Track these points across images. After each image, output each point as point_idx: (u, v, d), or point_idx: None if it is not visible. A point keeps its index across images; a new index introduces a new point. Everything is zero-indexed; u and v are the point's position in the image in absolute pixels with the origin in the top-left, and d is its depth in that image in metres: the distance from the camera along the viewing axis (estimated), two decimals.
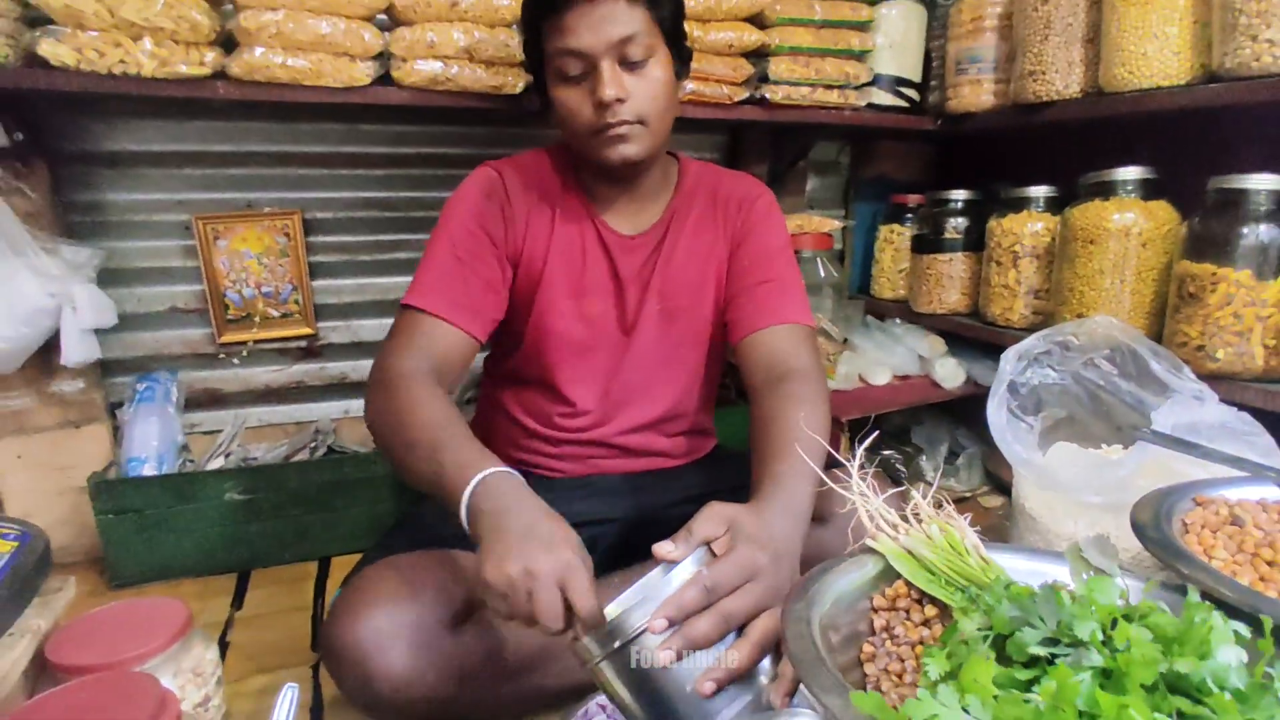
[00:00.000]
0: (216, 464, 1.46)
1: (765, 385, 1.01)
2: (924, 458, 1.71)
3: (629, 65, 0.95)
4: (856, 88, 1.57)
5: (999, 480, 1.68)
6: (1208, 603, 0.41)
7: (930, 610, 0.55)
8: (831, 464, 0.80)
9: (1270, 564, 0.59)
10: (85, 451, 1.44)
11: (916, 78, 1.65)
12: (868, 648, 0.53)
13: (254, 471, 1.40)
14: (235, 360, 1.60)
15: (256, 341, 1.60)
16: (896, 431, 1.78)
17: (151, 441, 1.44)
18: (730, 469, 1.23)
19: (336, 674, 0.89)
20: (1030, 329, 1.46)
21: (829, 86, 1.53)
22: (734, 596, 0.67)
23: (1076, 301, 1.30)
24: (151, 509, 1.35)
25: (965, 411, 1.71)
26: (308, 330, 1.62)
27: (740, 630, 0.68)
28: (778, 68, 1.47)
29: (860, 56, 1.55)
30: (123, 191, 1.47)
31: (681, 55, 1.04)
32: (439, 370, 0.97)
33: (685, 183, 1.15)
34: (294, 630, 1.24)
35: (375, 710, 0.91)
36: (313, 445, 1.56)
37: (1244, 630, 0.42)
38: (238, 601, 1.33)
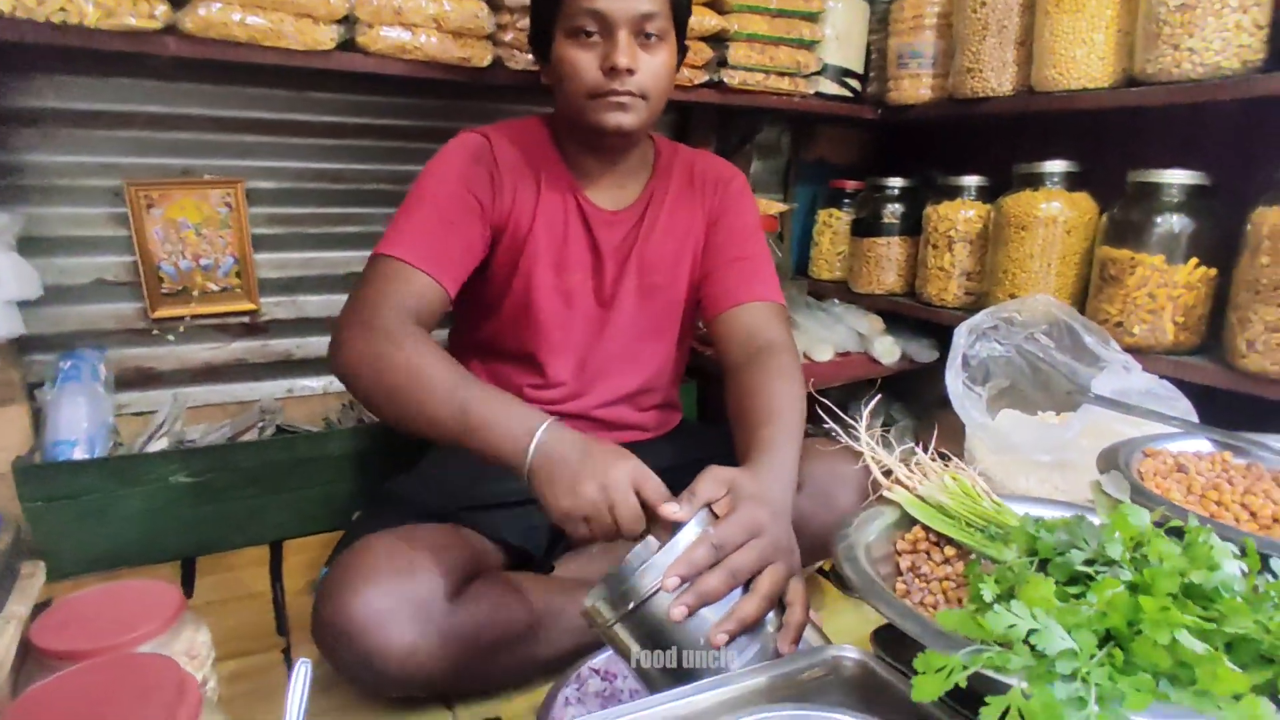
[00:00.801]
0: (158, 446, 1.38)
1: (743, 359, 1.06)
2: (838, 441, 1.82)
3: (643, 41, 0.98)
4: (806, 76, 1.64)
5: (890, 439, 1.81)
6: (1207, 526, 0.49)
7: (949, 550, 0.61)
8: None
9: (1218, 503, 0.69)
10: (2, 436, 1.33)
11: (859, 69, 1.73)
12: (900, 586, 0.58)
13: (202, 453, 1.34)
14: (170, 337, 1.51)
15: (194, 317, 1.51)
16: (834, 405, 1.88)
17: (81, 423, 1.35)
18: (698, 441, 1.27)
19: (334, 652, 0.88)
20: (963, 309, 1.57)
21: (781, 74, 1.59)
22: (740, 553, 0.71)
23: (1009, 283, 1.42)
24: (88, 495, 1.27)
25: (899, 387, 1.82)
26: (250, 306, 1.55)
27: (746, 585, 0.72)
28: (736, 53, 1.52)
29: (810, 46, 1.62)
30: (45, 153, 1.35)
31: (682, 47, 1.07)
32: (419, 321, 0.95)
33: (662, 161, 1.18)
34: (255, 616, 1.21)
35: (375, 686, 0.91)
36: (260, 425, 1.49)
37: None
38: (188, 590, 1.27)
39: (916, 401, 1.84)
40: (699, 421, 1.59)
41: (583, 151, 1.10)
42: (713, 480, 0.76)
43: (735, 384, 1.04)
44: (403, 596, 0.87)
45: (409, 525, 0.96)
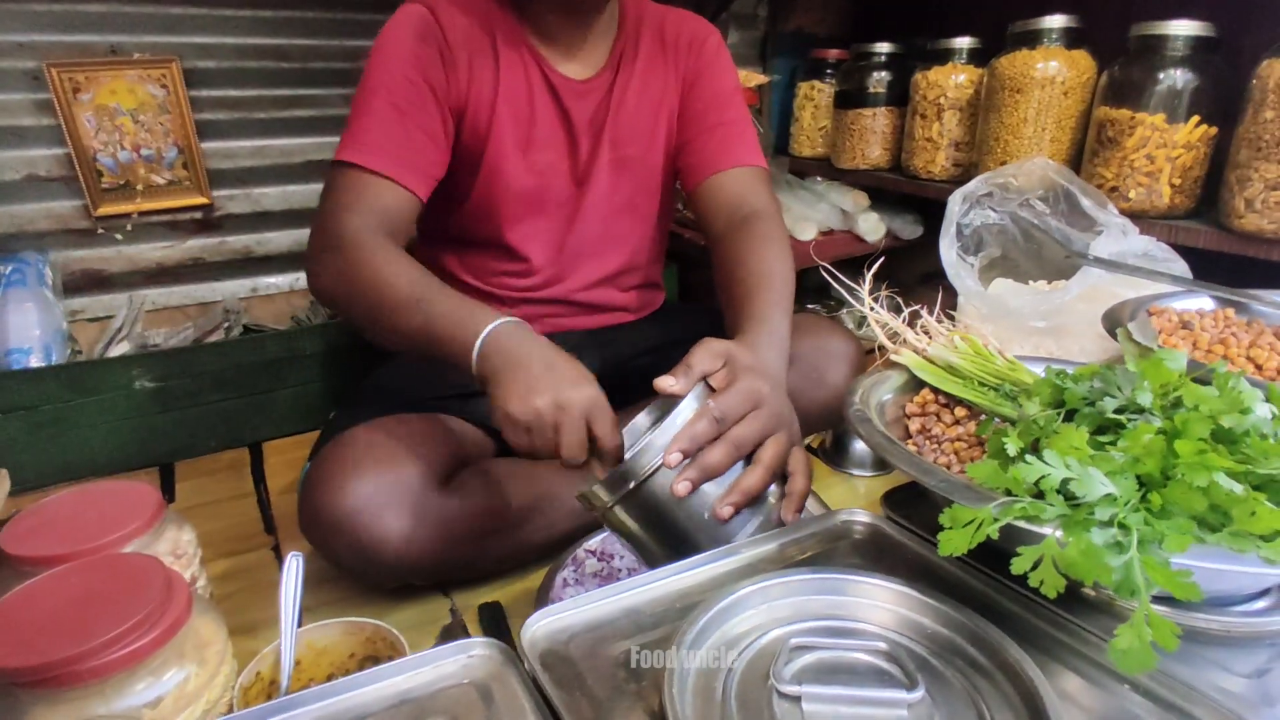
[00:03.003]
0: (118, 350, 1.31)
1: (729, 227, 1.01)
2: (844, 310, 1.80)
3: None
4: None
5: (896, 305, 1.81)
6: (1237, 373, 0.47)
7: (960, 411, 0.59)
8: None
9: (1225, 358, 0.67)
10: None
11: None
12: (912, 448, 0.57)
13: (166, 356, 1.28)
14: (118, 236, 1.42)
15: (141, 214, 1.41)
16: (816, 287, 1.85)
17: (32, 330, 1.28)
18: (682, 321, 1.24)
19: (326, 545, 0.86)
20: (952, 181, 1.52)
21: None
22: (742, 424, 0.68)
23: (1001, 151, 1.36)
24: (47, 404, 1.21)
25: (883, 265, 1.79)
26: (201, 199, 1.45)
27: (748, 458, 0.71)
28: None
29: None
30: None
31: None
32: (390, 231, 0.90)
33: (628, 20, 1.08)
34: (240, 517, 1.18)
35: (371, 577, 0.90)
36: (226, 325, 1.43)
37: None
38: (169, 495, 1.24)
39: (900, 280, 1.82)
40: (681, 302, 1.55)
41: (546, 14, 0.99)
42: (709, 352, 0.72)
43: (722, 253, 0.99)
44: (393, 486, 0.85)
45: (393, 416, 0.93)
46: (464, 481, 0.92)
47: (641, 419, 0.78)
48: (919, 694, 0.40)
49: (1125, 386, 0.45)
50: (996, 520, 0.39)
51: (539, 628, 0.46)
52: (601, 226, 1.12)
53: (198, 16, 1.36)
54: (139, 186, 1.39)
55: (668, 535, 0.66)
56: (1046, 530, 0.39)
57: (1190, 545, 0.37)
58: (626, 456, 0.67)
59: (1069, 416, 0.47)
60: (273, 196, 1.51)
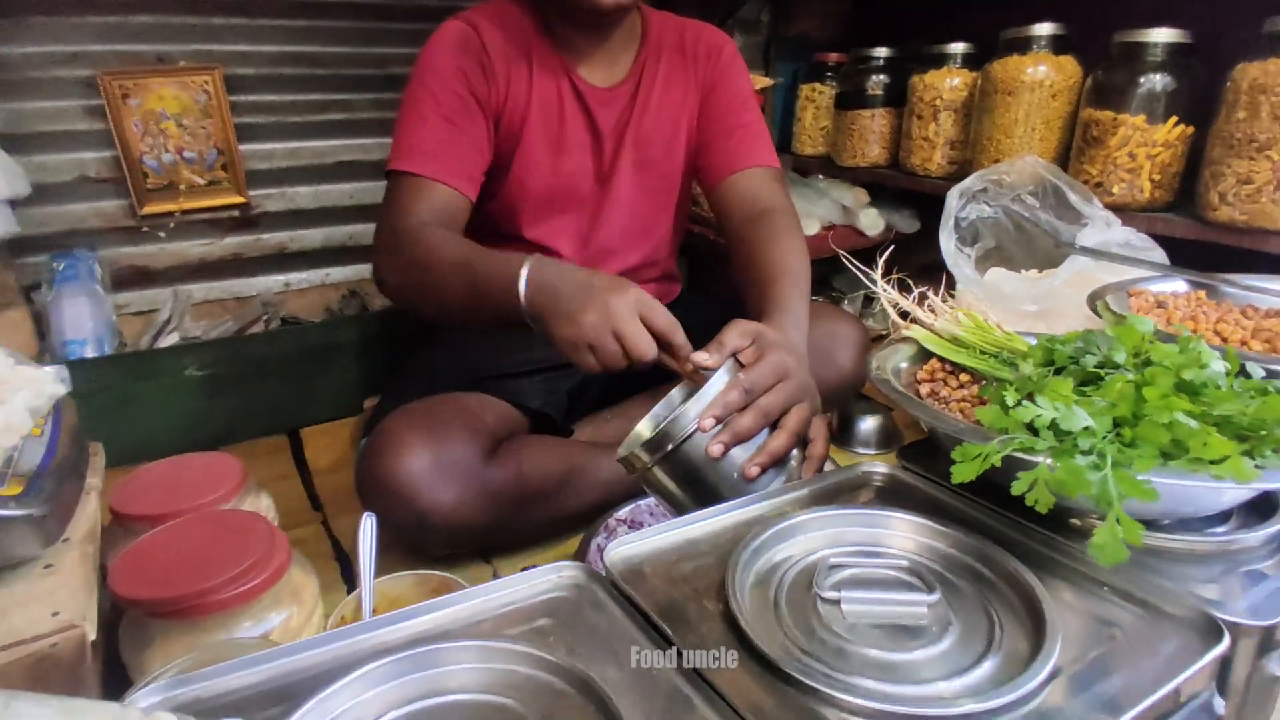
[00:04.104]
0: (167, 341, 1.39)
1: (746, 222, 1.10)
2: (845, 302, 1.89)
3: None
4: None
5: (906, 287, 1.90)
6: (1196, 336, 0.56)
7: (964, 377, 0.68)
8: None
9: (1194, 332, 0.76)
10: (5, 339, 1.33)
11: None
12: (927, 402, 0.66)
13: (214, 345, 1.36)
14: (161, 233, 1.50)
15: (183, 212, 1.50)
16: (821, 279, 1.94)
17: (85, 323, 1.36)
18: (697, 310, 1.32)
19: (384, 509, 0.94)
20: (947, 178, 1.61)
21: None
22: (769, 394, 0.77)
23: (994, 149, 1.46)
24: (104, 392, 1.29)
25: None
26: (239, 199, 1.53)
27: (774, 425, 0.79)
28: None
29: None
30: (10, 44, 1.29)
31: None
32: (447, 224, 0.99)
33: (651, 32, 1.17)
34: (287, 496, 1.26)
35: (422, 541, 0.98)
36: (265, 318, 1.51)
37: None
38: None
39: (901, 270, 1.91)
40: (692, 294, 1.64)
41: (574, 30, 1.08)
42: (739, 331, 0.81)
43: (741, 245, 1.08)
44: (445, 457, 0.93)
45: (442, 395, 1.02)
46: (505, 455, 1.00)
47: (677, 391, 0.87)
48: (936, 595, 0.49)
49: (1103, 347, 0.54)
50: (1000, 452, 0.48)
51: (617, 553, 0.55)
52: (625, 222, 1.20)
53: (238, 26, 1.44)
54: (182, 187, 1.47)
55: (700, 493, 0.74)
56: (1040, 459, 0.48)
57: (1154, 467, 0.46)
58: (664, 423, 0.75)
59: (1058, 373, 0.56)
60: (306, 195, 1.59)
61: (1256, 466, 0.48)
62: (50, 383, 0.30)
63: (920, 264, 1.67)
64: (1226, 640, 0.44)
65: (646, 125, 1.16)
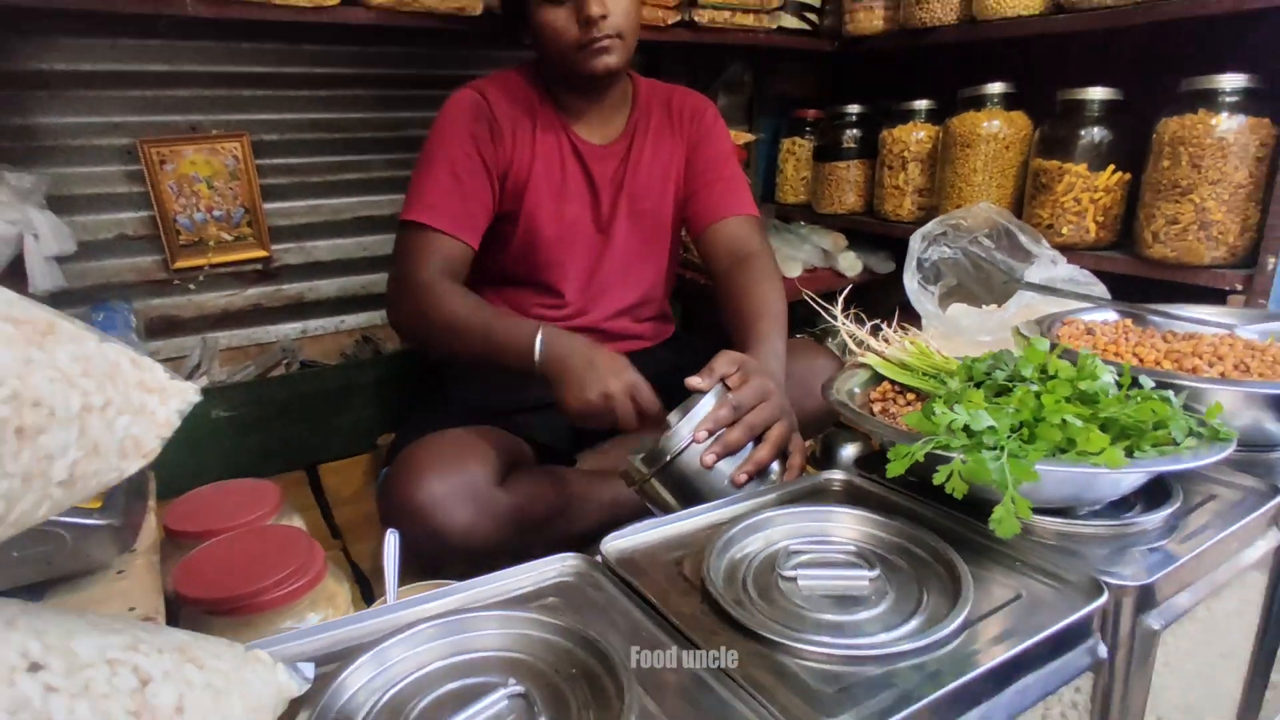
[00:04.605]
0: (197, 385, 1.50)
1: (730, 265, 1.23)
2: (830, 339, 2.01)
3: None
4: (768, 11, 1.76)
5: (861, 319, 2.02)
6: (1094, 354, 0.67)
7: (910, 396, 0.79)
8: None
9: (1116, 355, 0.88)
10: None
11: (816, 2, 1.86)
12: (876, 417, 0.76)
13: (240, 388, 1.47)
14: (191, 285, 1.62)
15: (211, 266, 1.62)
16: (803, 319, 2.06)
17: None
18: (691, 348, 1.44)
19: (404, 531, 1.04)
20: (917, 222, 1.74)
21: (746, 10, 1.71)
22: (754, 411, 0.88)
23: (956, 195, 1.59)
24: None
25: (862, 296, 2.00)
26: (262, 253, 1.66)
27: (758, 440, 0.90)
28: None
29: None
30: (56, 115, 1.43)
31: None
32: (452, 275, 1.14)
33: (641, 96, 1.32)
34: (307, 525, 1.36)
35: (438, 560, 1.07)
36: (285, 362, 1.62)
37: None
38: None
39: (877, 308, 2.03)
40: (685, 333, 1.76)
41: (572, 94, 1.23)
42: (727, 360, 0.93)
43: (725, 287, 1.21)
44: (460, 483, 1.03)
45: (455, 429, 1.12)
46: (514, 482, 1.10)
47: (674, 414, 0.98)
48: (876, 571, 0.59)
49: (1009, 363, 0.65)
50: (923, 449, 0.59)
51: (613, 544, 0.65)
52: (621, 266, 1.33)
53: (265, 97, 1.58)
54: (210, 243, 1.60)
55: (690, 500, 0.85)
56: (955, 455, 0.58)
57: (1044, 458, 0.57)
58: (664, 438, 0.86)
59: (978, 387, 0.67)
60: (323, 249, 1.72)
61: (1136, 458, 0.59)
62: (192, 393, 0.41)
63: (899, 302, 1.80)
64: (1105, 597, 0.54)
65: (639, 179, 1.30)
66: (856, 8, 1.79)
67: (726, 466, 0.84)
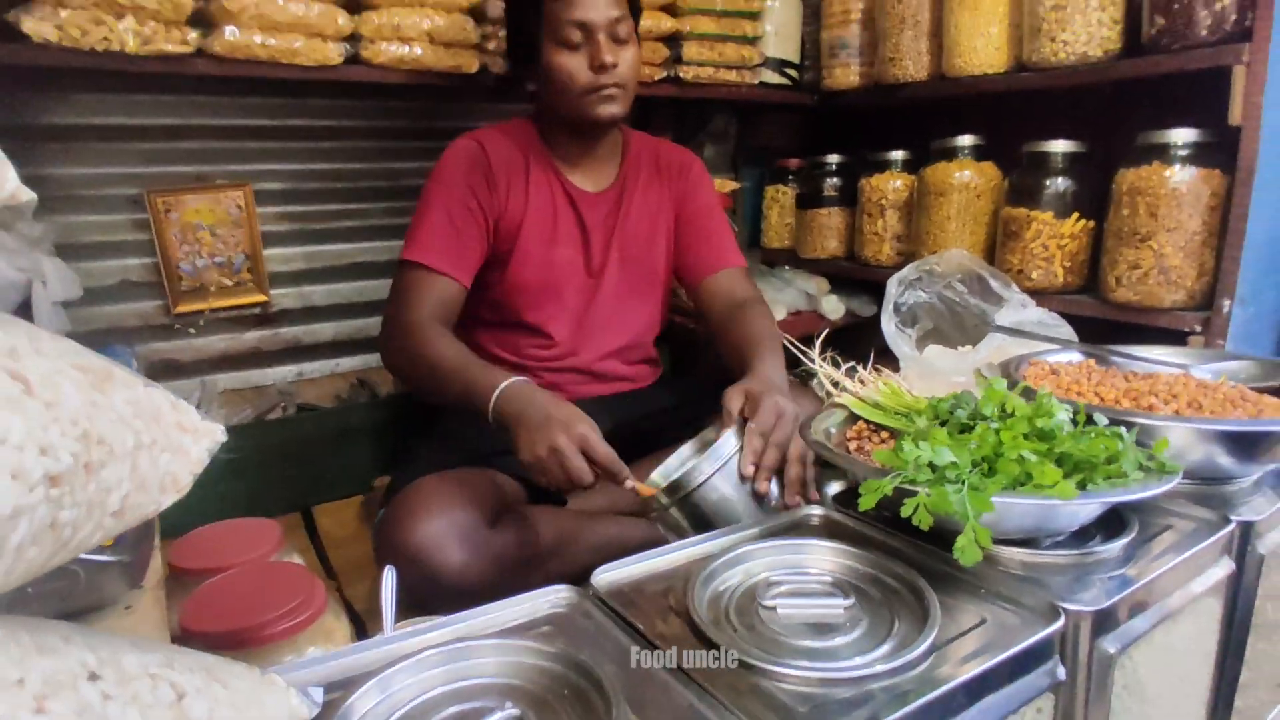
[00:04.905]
0: None
1: (727, 312, 1.31)
2: (814, 381, 2.06)
3: (617, 41, 1.20)
4: (750, 68, 1.85)
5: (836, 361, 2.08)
6: (1049, 393, 0.72)
7: (884, 434, 0.83)
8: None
9: (1079, 394, 0.93)
10: None
11: (796, 60, 1.95)
12: (846, 455, 0.81)
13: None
14: (191, 330, 1.66)
15: (212, 310, 1.66)
16: (789, 363, 2.12)
17: None
18: (679, 389, 1.49)
19: (400, 570, 1.07)
20: (896, 267, 1.81)
21: (729, 67, 1.80)
22: (776, 430, 0.94)
23: (932, 241, 1.66)
24: None
25: (844, 338, 2.06)
26: (261, 298, 1.70)
27: None
28: (689, 51, 1.72)
29: (753, 42, 1.83)
30: (66, 166, 1.48)
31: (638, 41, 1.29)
32: (444, 317, 1.20)
33: (631, 149, 1.39)
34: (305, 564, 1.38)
35: (432, 599, 1.09)
36: (282, 405, 1.65)
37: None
38: None
39: (860, 350, 2.09)
40: (673, 376, 1.81)
41: (568, 142, 1.30)
42: (734, 395, 1.00)
43: (726, 330, 1.28)
44: (454, 524, 1.06)
45: (449, 471, 1.15)
46: (506, 523, 1.13)
47: (687, 447, 1.03)
48: (850, 600, 0.63)
49: (970, 403, 0.70)
50: (891, 483, 0.63)
51: (603, 577, 0.69)
52: (612, 310, 1.38)
53: (268, 149, 1.65)
54: (212, 288, 1.64)
55: (705, 527, 0.89)
56: (920, 489, 0.63)
57: (1002, 491, 0.61)
58: (677, 475, 0.91)
59: (943, 425, 0.71)
60: (321, 294, 1.77)
61: (1088, 490, 0.64)
62: (220, 433, 0.45)
63: (880, 345, 1.86)
64: (1062, 620, 0.58)
65: (630, 226, 1.36)
66: (834, 64, 1.88)
67: (738, 494, 0.89)
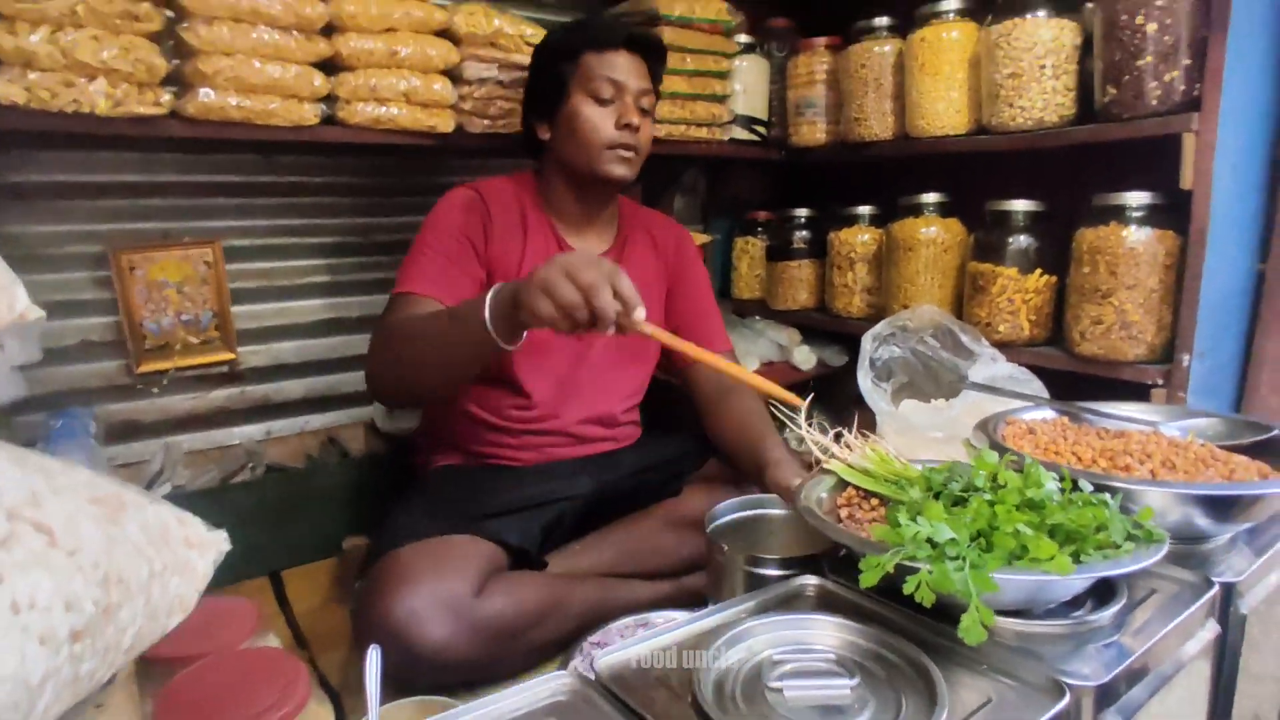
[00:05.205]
0: (161, 493, 1.47)
1: (716, 395, 1.35)
2: (786, 431, 2.08)
3: (641, 110, 1.25)
4: (720, 125, 1.89)
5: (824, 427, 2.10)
6: (1037, 462, 0.74)
7: (874, 501, 0.84)
8: None
9: (1056, 454, 0.95)
10: None
11: (764, 117, 2.01)
12: (840, 527, 0.81)
13: (206, 495, 1.45)
14: (154, 390, 1.60)
15: (176, 369, 1.61)
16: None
17: None
18: (661, 447, 1.49)
19: (382, 646, 1.03)
20: (866, 319, 1.85)
21: (699, 124, 1.84)
22: None
23: (902, 295, 1.70)
24: None
25: (816, 389, 2.09)
26: (229, 355, 1.66)
27: None
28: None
29: (722, 100, 1.88)
30: (29, 224, 1.44)
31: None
32: None
33: (624, 215, 1.42)
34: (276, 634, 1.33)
35: (415, 677, 1.06)
36: (251, 466, 1.60)
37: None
38: None
39: (832, 400, 2.12)
40: (652, 432, 1.81)
41: (570, 200, 1.32)
42: (790, 476, 1.06)
43: (718, 412, 1.33)
44: (439, 596, 1.04)
45: (431, 539, 1.13)
46: (492, 592, 1.11)
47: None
48: (856, 680, 0.63)
49: (963, 476, 0.71)
50: (892, 560, 0.64)
51: (605, 660, 0.67)
52: (597, 375, 1.38)
53: (238, 205, 1.63)
54: (177, 346, 1.60)
55: None
56: (921, 565, 0.63)
57: (1003, 567, 0.62)
58: None
59: (936, 497, 0.72)
60: (290, 350, 1.73)
61: (1081, 562, 0.65)
62: (223, 543, 0.43)
63: (853, 395, 1.88)
64: (1067, 698, 0.59)
65: None
66: (800, 122, 1.94)
67: None
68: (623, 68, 1.23)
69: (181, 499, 1.42)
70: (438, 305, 1.17)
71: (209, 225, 1.60)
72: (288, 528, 1.53)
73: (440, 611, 1.03)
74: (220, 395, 1.68)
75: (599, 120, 1.23)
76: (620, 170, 1.26)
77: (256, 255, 1.67)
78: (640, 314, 0.86)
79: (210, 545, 0.37)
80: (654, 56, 1.31)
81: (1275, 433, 0.95)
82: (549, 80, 1.28)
